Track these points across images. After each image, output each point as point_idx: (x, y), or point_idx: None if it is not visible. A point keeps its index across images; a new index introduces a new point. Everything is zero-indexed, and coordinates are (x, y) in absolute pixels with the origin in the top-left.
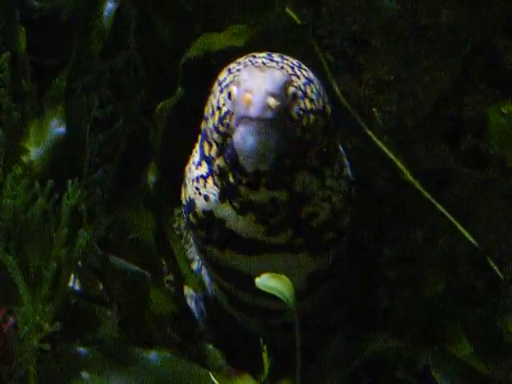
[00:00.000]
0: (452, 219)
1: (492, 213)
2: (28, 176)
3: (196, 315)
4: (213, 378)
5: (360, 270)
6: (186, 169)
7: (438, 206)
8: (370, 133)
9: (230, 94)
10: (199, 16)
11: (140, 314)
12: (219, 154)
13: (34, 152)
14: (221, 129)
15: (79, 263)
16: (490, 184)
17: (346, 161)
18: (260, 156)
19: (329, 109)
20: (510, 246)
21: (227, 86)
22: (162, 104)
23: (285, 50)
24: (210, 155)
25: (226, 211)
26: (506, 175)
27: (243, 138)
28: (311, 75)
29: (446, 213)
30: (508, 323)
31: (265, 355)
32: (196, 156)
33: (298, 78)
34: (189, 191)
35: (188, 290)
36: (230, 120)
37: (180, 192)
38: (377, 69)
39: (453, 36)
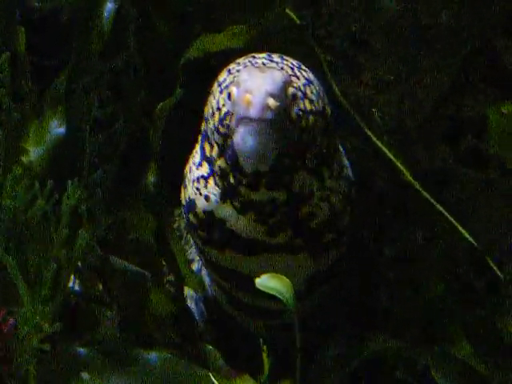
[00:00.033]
0: (452, 219)
1: (492, 213)
2: (28, 176)
3: (196, 316)
4: (213, 379)
5: (360, 270)
6: (186, 169)
7: (438, 206)
8: (369, 133)
9: (229, 95)
10: (199, 16)
11: (140, 315)
12: (220, 154)
13: (33, 152)
14: (221, 130)
15: (79, 263)
16: (489, 184)
17: (346, 161)
18: (260, 156)
19: (328, 110)
20: (510, 246)
21: (227, 86)
22: (161, 104)
23: (284, 50)
24: (211, 156)
25: (226, 211)
26: (505, 176)
27: (243, 138)
28: (311, 76)
29: (446, 213)
30: (508, 323)
31: (265, 355)
32: (196, 156)
33: (298, 78)
34: (189, 191)
35: (188, 291)
36: (230, 121)
37: (180, 192)
38: (376, 69)
39: (453, 36)
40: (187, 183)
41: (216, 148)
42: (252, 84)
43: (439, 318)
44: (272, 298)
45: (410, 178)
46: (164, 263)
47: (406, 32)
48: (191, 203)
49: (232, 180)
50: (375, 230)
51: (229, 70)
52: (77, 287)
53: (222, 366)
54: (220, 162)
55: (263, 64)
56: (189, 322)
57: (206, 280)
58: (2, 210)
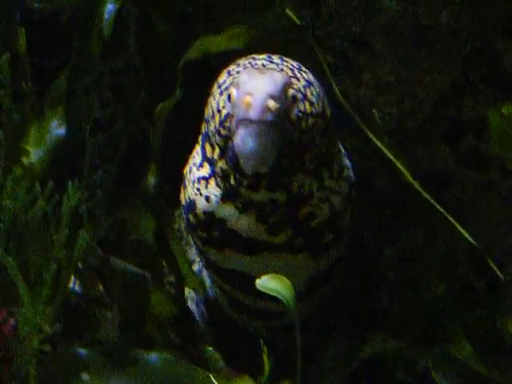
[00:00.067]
0: (452, 220)
1: (492, 214)
2: (28, 177)
3: (196, 317)
4: (213, 380)
5: (360, 270)
6: (186, 169)
7: (438, 206)
8: (369, 134)
9: (229, 97)
10: (199, 17)
11: (140, 316)
12: (221, 156)
13: (34, 153)
14: (222, 132)
15: (79, 264)
16: (490, 185)
17: (346, 161)
18: (260, 158)
19: (328, 111)
20: (510, 246)
21: (227, 88)
22: (161, 105)
23: (284, 50)
24: (212, 157)
25: (227, 211)
26: (506, 176)
27: (243, 140)
28: (311, 77)
29: (446, 214)
30: (508, 324)
31: (265, 357)
32: (197, 157)
33: (298, 80)
34: (189, 192)
35: (189, 292)
36: (230, 123)
37: (179, 193)
38: (377, 70)
39: (453, 36)
40: (187, 183)
41: (217, 150)
42: (252, 86)
43: (439, 318)
44: (272, 299)
45: (411, 179)
46: (164, 264)
47: (406, 32)
48: (191, 204)
49: (233, 181)
50: (375, 231)
51: (229, 72)
52: (77, 288)
53: (222, 367)
54: (221, 164)
55: (263, 65)
56: (189, 323)
57: (207, 281)
58: (3, 211)
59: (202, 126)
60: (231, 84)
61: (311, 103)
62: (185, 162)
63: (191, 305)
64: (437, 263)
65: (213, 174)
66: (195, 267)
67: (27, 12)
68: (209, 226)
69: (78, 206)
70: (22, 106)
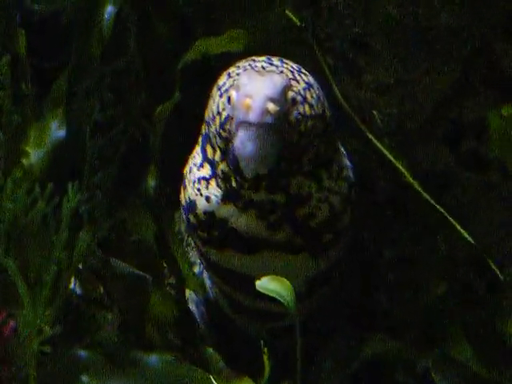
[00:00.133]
0: (452, 221)
1: (492, 215)
2: (28, 179)
3: (197, 318)
4: (213, 381)
5: (360, 271)
6: (186, 170)
7: (439, 208)
8: (370, 135)
9: (229, 99)
10: (199, 18)
11: (140, 317)
12: (223, 158)
13: (34, 155)
14: (223, 134)
15: (79, 266)
16: (490, 187)
17: (346, 162)
18: (259, 161)
19: (328, 113)
20: (511, 248)
21: (227, 90)
22: (160, 107)
23: (284, 52)
24: (213, 159)
25: (227, 211)
26: (506, 178)
27: (242, 143)
28: (311, 80)
29: (447, 215)
30: (508, 325)
31: (265, 358)
32: (197, 158)
33: (298, 82)
34: (189, 192)
35: (189, 294)
36: (230, 125)
37: (179, 193)
38: (377, 71)
39: (453, 38)
40: (187, 184)
41: (218, 152)
42: (252, 88)
43: (439, 319)
44: (272, 300)
45: (411, 180)
46: (165, 265)
47: (407, 34)
48: (191, 204)
49: (234, 184)
50: (375, 232)
51: (228, 74)
52: (77, 289)
53: (222, 369)
54: (223, 166)
55: (263, 68)
56: (190, 325)
57: (207, 283)
58: (3, 212)
59: (202, 127)
60: (231, 86)
61: (311, 106)
62: (185, 163)
63: (192, 306)
64: (437, 264)
65: (213, 174)
66: (196, 269)
67: (27, 13)
68: (209, 225)
69: (78, 207)
70: (22, 108)
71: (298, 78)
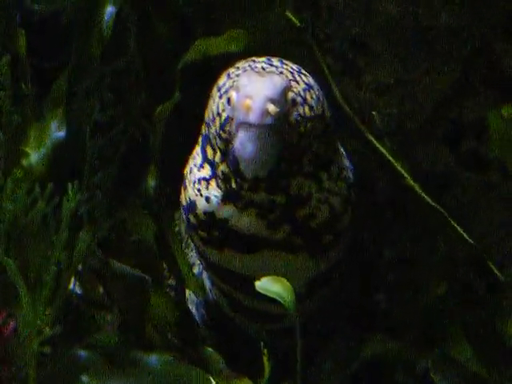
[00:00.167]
0: (452, 222)
1: (492, 215)
2: (28, 179)
3: (197, 319)
4: (213, 382)
5: (360, 272)
6: (186, 170)
7: (439, 208)
8: (369, 135)
9: (229, 100)
10: (199, 19)
11: (140, 318)
12: (223, 159)
13: (34, 155)
14: (223, 135)
15: (79, 266)
16: (490, 187)
17: (346, 162)
18: (259, 162)
19: (328, 114)
20: (511, 248)
21: (226, 91)
22: (160, 108)
23: (284, 52)
24: (213, 160)
25: (227, 211)
26: (506, 178)
27: (242, 144)
28: (311, 80)
29: (447, 215)
30: (508, 325)
31: (265, 359)
32: (197, 158)
33: (298, 83)
34: (189, 192)
35: (189, 294)
36: (230, 126)
37: (179, 193)
38: (377, 71)
39: (453, 38)
40: (187, 184)
41: (218, 153)
42: (251, 89)
43: (439, 319)
44: (272, 300)
45: (411, 181)
46: (165, 266)
47: (406, 34)
48: (192, 204)
49: (234, 185)
50: (375, 232)
51: (228, 75)
52: (77, 290)
53: (222, 369)
54: (223, 167)
55: (263, 68)
56: (190, 325)
57: (207, 284)
58: (3, 213)
59: (202, 128)
60: (231, 87)
61: (311, 107)
62: (185, 163)
63: (191, 307)
64: (437, 264)
65: (213, 175)
66: (195, 270)
67: (27, 14)
68: (209, 226)
69: (78, 207)
70: (21, 108)
71: (298, 78)
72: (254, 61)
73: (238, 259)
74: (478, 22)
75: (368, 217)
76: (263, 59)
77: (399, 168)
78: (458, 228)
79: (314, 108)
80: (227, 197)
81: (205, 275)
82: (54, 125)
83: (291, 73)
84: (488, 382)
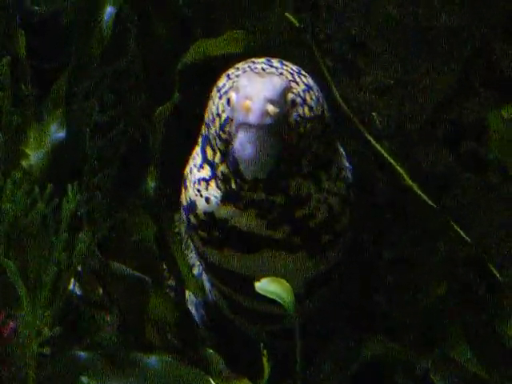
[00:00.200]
0: (452, 223)
1: (492, 217)
2: (28, 180)
3: (196, 320)
4: (213, 383)
5: (359, 273)
6: (187, 170)
7: (438, 210)
8: (369, 137)
9: (229, 101)
10: (199, 20)
11: (140, 319)
12: (223, 160)
13: (33, 156)
14: (223, 136)
15: (79, 267)
16: (490, 188)
17: (345, 162)
18: (258, 164)
19: (327, 115)
20: (510, 249)
21: (226, 92)
22: (159, 109)
23: (284, 54)
24: (213, 161)
25: (227, 211)
26: (506, 180)
27: (242, 145)
28: (311, 81)
29: (446, 217)
30: (508, 327)
31: (265, 360)
32: (197, 158)
33: (298, 84)
34: (190, 193)
35: (189, 295)
36: (230, 127)
37: (180, 193)
38: (376, 72)
39: (453, 38)
40: (188, 184)
41: (218, 154)
42: (251, 90)
43: (439, 321)
44: (272, 301)
45: (410, 182)
46: (165, 267)
47: (406, 34)
48: (192, 204)
49: (234, 186)
50: (375, 233)
51: (228, 75)
52: (77, 291)
53: (222, 370)
54: (222, 168)
55: (262, 69)
56: (189, 326)
57: (207, 285)
58: (2, 214)
59: (202, 128)
60: (231, 88)
61: (310, 108)
62: (184, 164)
63: (191, 308)
64: (436, 265)
65: (213, 175)
66: (195, 271)
67: (27, 14)
68: (209, 226)
69: (78, 208)
70: (21, 109)
71: (298, 79)
72: (253, 62)
73: (238, 259)
74: (478, 22)
75: (367, 217)
76: (263, 60)
77: (399, 169)
78: (458, 229)
79: (314, 109)
80: (227, 197)
81: (204, 277)
82: (53, 126)
83: (291, 74)
84: (488, 382)
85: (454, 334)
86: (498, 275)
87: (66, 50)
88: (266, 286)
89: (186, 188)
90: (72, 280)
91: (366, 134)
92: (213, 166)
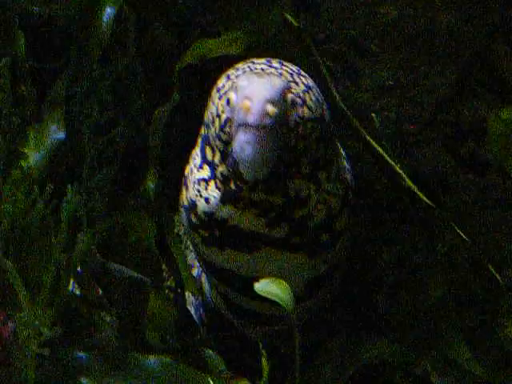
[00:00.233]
0: (451, 224)
1: (492, 217)
2: (27, 181)
3: (196, 321)
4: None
5: (359, 274)
6: (187, 170)
7: (438, 210)
8: (368, 138)
9: (228, 101)
10: (198, 20)
11: (139, 320)
12: (222, 161)
13: (33, 157)
14: (223, 137)
15: (78, 268)
16: (489, 189)
17: (345, 163)
18: (258, 165)
19: (327, 115)
20: (509, 250)
21: (226, 92)
22: (159, 109)
23: (283, 54)
24: (213, 161)
25: (227, 211)
26: (505, 181)
27: (242, 146)
28: (310, 82)
29: (446, 218)
30: (507, 329)
31: (264, 361)
32: (197, 159)
33: (297, 84)
34: (190, 193)
35: (188, 296)
36: (230, 127)
37: (180, 193)
38: (376, 74)
39: (452, 40)
40: (188, 184)
41: (218, 154)
42: (251, 90)
43: (438, 322)
44: (271, 302)
45: (410, 183)
46: (164, 268)
47: (406, 36)
48: (192, 204)
49: (233, 186)
50: (374, 234)
51: (228, 76)
52: (76, 291)
53: (221, 371)
54: (222, 169)
55: (262, 70)
56: (189, 327)
57: (206, 286)
58: (2, 215)
59: (202, 128)
60: (230, 88)
61: (310, 108)
62: (184, 165)
63: (190, 309)
64: (436, 267)
65: (212, 176)
66: (194, 272)
67: (26, 15)
68: (210, 225)
69: (77, 209)
70: (21, 110)
71: (298, 80)
72: (253, 62)
73: (238, 259)
74: (478, 24)
75: (367, 219)
76: (262, 60)
77: (398, 170)
78: (457, 230)
79: (313, 109)
80: (226, 197)
81: (203, 277)
82: (53, 126)
83: (290, 74)
84: (487, 383)
85: (453, 335)
86: (497, 276)
87: (65, 50)
88: (266, 286)
89: (186, 188)
90: (71, 281)
91: (366, 135)
92: (212, 166)
